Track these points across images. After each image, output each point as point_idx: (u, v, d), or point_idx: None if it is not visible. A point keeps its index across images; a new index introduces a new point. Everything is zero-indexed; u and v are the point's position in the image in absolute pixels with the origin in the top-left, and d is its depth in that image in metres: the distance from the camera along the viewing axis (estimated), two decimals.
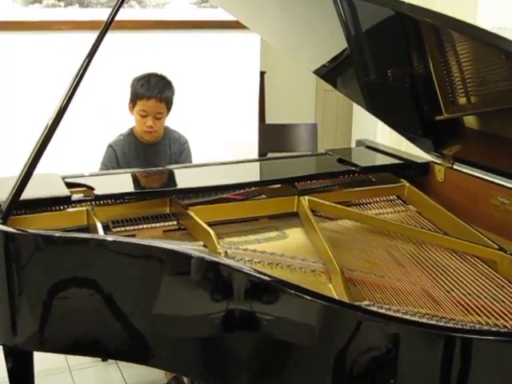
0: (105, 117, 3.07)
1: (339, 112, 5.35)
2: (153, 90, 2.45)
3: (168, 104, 2.50)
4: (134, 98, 2.49)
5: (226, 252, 1.50)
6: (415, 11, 1.38)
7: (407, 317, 1.27)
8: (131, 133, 2.59)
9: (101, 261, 1.38)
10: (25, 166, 1.52)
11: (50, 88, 3.01)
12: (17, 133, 3.07)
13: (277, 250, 1.60)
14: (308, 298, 1.17)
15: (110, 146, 2.57)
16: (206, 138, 3.29)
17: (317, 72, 2.10)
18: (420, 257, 1.59)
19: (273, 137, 3.68)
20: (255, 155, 3.48)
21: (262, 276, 1.24)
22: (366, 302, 1.33)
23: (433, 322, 1.25)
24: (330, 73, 2.10)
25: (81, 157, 2.95)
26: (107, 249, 1.40)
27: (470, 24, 1.32)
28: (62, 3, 2.93)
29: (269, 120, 4.29)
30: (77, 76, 1.53)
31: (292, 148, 3.70)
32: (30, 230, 1.44)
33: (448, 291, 1.41)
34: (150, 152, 2.59)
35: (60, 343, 1.49)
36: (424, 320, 1.26)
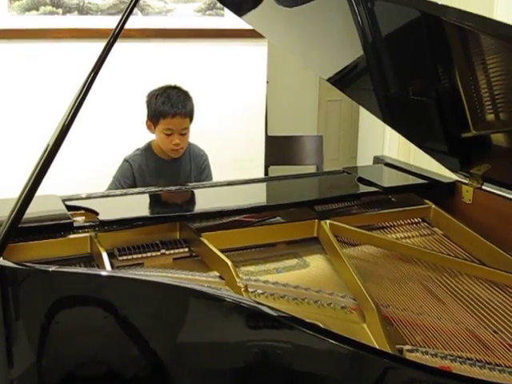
0: (105, 130, 2.93)
1: (342, 122, 5.25)
2: (176, 106, 2.30)
3: (191, 117, 2.36)
4: (156, 117, 2.32)
5: (246, 286, 1.35)
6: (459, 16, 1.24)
7: (456, 364, 1.13)
8: (149, 148, 2.43)
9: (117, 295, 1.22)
10: (22, 193, 1.34)
11: (47, 98, 2.89)
12: (11, 143, 2.94)
13: (300, 282, 1.46)
14: (361, 352, 1.02)
15: (126, 160, 2.40)
16: (211, 149, 3.15)
17: (330, 80, 1.97)
18: (457, 289, 1.45)
19: (277, 149, 3.54)
20: (261, 168, 3.35)
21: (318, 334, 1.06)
22: (408, 347, 1.18)
23: (487, 374, 1.11)
24: (344, 81, 1.97)
25: (78, 174, 2.82)
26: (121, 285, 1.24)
27: None
28: (60, 10, 2.78)
29: (271, 130, 4.16)
30: (81, 92, 1.38)
31: (297, 161, 3.57)
32: (31, 265, 1.28)
33: (496, 332, 1.27)
34: (169, 168, 2.42)
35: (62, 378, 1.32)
36: (476, 369, 1.12)
